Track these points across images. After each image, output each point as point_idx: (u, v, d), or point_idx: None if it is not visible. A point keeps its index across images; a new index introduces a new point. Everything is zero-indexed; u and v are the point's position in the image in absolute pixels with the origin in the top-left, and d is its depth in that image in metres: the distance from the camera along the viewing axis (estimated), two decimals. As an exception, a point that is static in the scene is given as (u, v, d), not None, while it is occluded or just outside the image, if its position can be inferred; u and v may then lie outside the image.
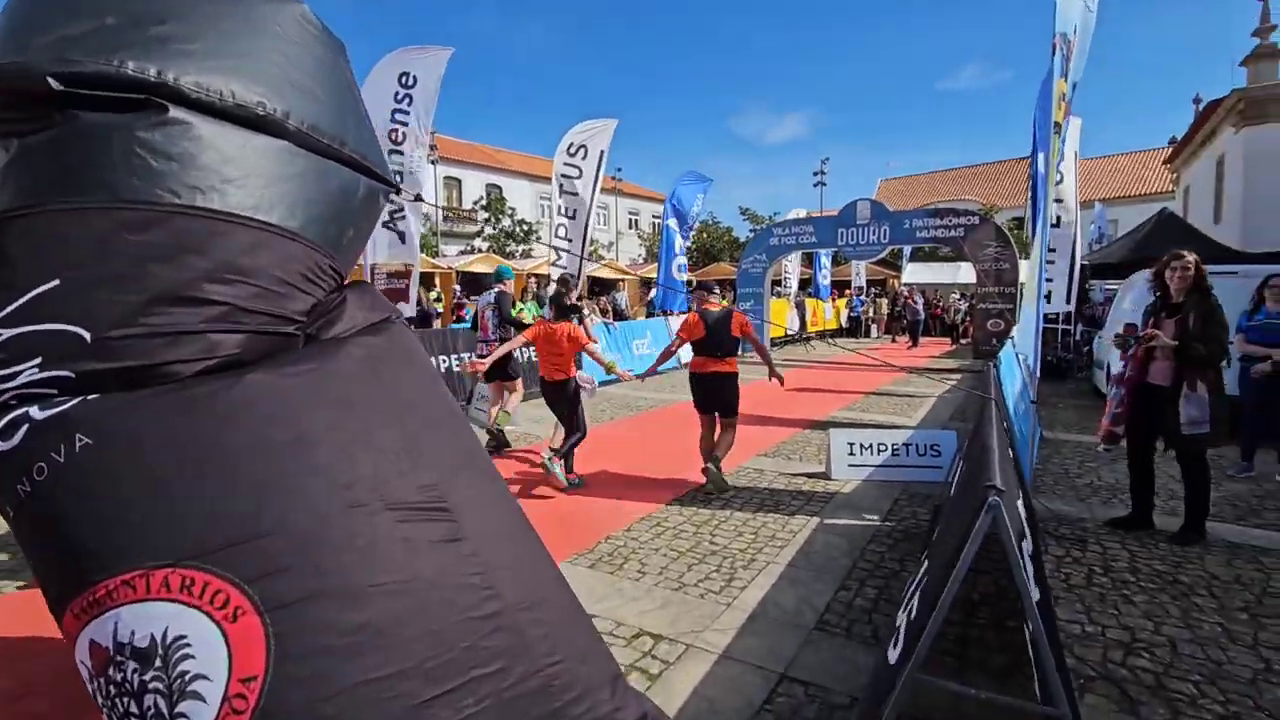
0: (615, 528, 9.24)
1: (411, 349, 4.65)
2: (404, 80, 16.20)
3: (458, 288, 32.84)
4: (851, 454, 11.36)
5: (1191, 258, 8.58)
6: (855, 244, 27.39)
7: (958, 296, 42.95)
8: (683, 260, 26.27)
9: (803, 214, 34.59)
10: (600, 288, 40.35)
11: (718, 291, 11.81)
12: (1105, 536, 8.83)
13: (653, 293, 30.40)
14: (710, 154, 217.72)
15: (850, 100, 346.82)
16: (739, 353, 11.71)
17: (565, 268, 19.78)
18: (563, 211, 19.44)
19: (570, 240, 19.43)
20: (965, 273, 43.16)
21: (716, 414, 11.53)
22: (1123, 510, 9.52)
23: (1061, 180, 18.79)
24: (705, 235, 54.16)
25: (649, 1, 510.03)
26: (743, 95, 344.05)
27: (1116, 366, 9.11)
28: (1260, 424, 10.77)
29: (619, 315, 31.25)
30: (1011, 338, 12.53)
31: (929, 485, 10.68)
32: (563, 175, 19.30)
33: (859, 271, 43.23)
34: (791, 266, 37.60)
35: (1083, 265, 21.31)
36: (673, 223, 25.59)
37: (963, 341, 36.46)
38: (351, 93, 4.77)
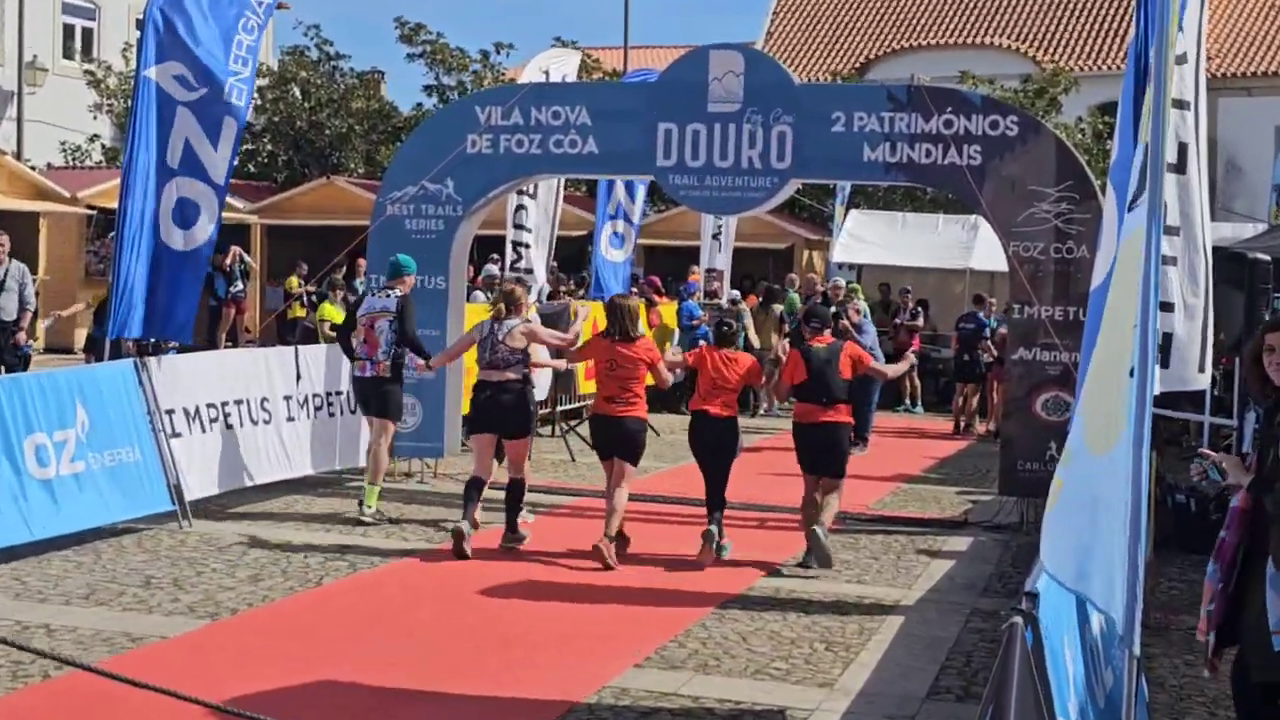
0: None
1: None
2: None
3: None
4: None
5: None
6: (703, 168, 14.59)
7: (978, 310, 24.29)
8: (622, 226, 22.79)
9: (559, 63, 19.96)
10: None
11: (827, 322, 12.10)
12: None
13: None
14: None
15: None
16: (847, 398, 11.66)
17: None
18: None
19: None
20: (985, 247, 26.29)
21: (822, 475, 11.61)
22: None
23: (1185, 61, 8.73)
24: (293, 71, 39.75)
25: None
26: None
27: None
28: None
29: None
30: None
31: None
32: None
33: (719, 234, 27.47)
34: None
35: (1241, 255, 13.93)
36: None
37: (982, 429, 23.22)
38: None
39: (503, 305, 12.51)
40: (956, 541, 13.38)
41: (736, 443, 12.07)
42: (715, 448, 12.01)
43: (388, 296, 13.35)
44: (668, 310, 23.99)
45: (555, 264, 23.12)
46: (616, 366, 11.86)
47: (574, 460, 17.22)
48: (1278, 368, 5.74)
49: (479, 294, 20.86)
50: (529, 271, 19.79)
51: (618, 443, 11.91)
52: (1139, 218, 4.71)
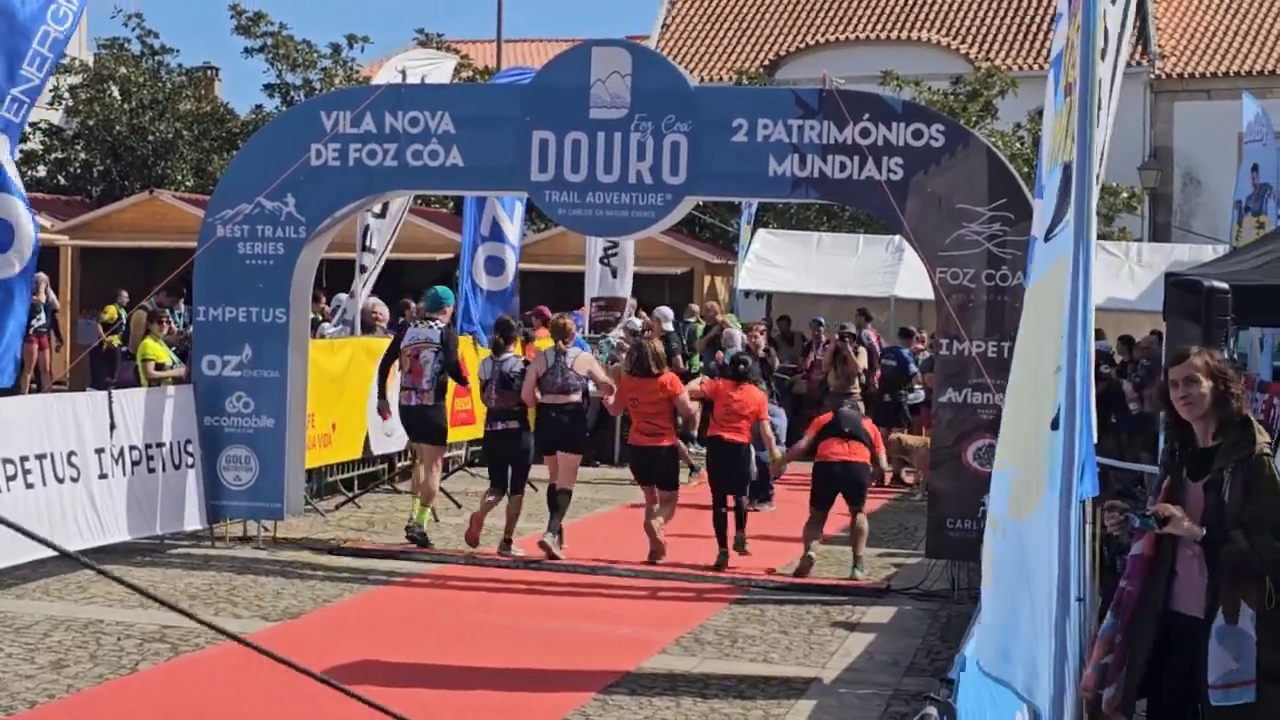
0: None
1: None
2: None
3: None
4: None
5: (1200, 360, 6.23)
6: (585, 184, 14.61)
7: (902, 345, 25.19)
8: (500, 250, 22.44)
9: (428, 66, 20.30)
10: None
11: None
12: None
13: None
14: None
15: None
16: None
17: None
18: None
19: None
20: (910, 273, 26.90)
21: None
22: None
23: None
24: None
25: None
26: None
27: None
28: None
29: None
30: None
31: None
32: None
33: (609, 258, 27.32)
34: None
35: (1196, 283, 12.11)
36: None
37: (908, 482, 22.79)
38: None
39: (560, 339, 15.40)
40: (878, 612, 13.47)
41: (748, 465, 15.92)
42: (728, 470, 15.34)
43: (430, 327, 15.60)
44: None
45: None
46: (641, 403, 15.28)
47: (438, 521, 17.10)
48: (1183, 402, 6.20)
49: (328, 328, 20.73)
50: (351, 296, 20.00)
51: (651, 469, 15.35)
52: (1061, 246, 4.76)
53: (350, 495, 18.89)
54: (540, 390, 15.19)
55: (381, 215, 20.09)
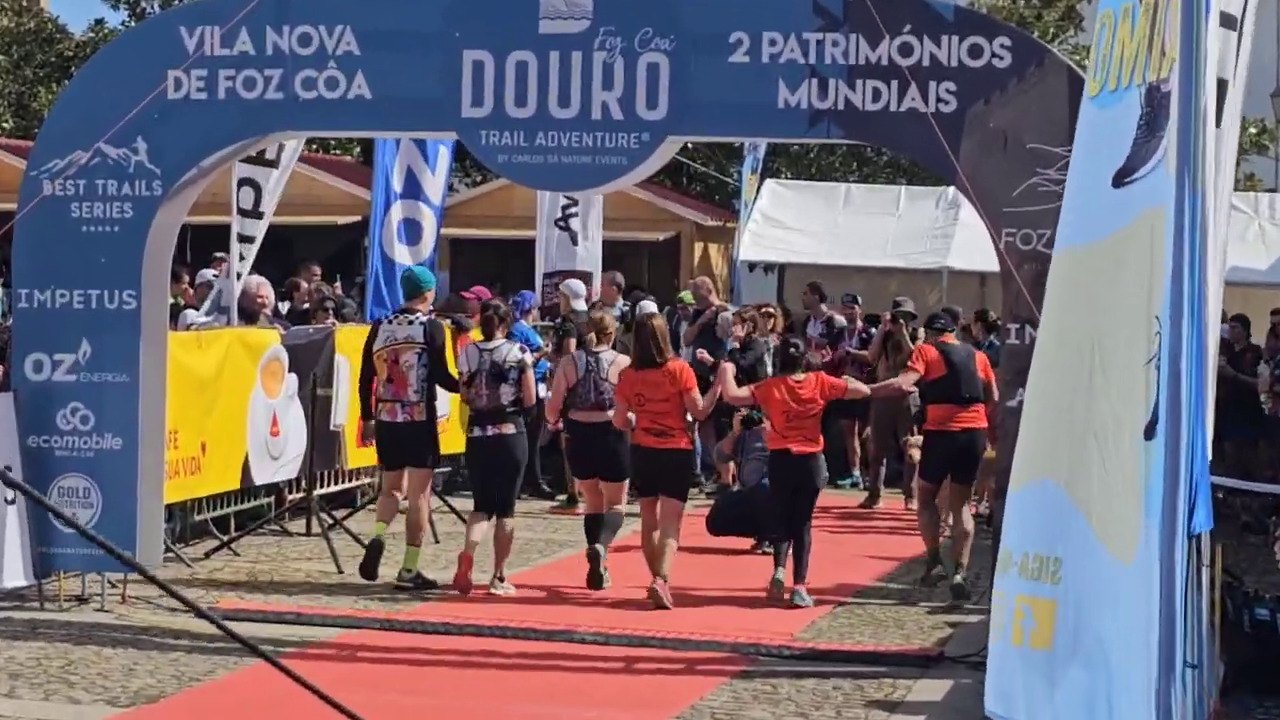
0: None
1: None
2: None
3: None
4: None
5: None
6: (534, 121, 14.61)
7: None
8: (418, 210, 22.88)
9: None
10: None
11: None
12: None
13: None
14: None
15: None
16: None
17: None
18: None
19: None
20: (970, 235, 27.00)
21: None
22: None
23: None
24: None
25: None
26: None
27: None
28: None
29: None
30: None
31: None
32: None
33: (567, 219, 27.64)
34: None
35: None
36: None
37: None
38: None
39: (594, 335, 16.39)
40: (927, 687, 13.49)
41: (821, 481, 16.55)
42: (798, 488, 16.10)
43: (409, 323, 15.95)
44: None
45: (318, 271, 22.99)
46: (646, 400, 15.74)
47: (341, 570, 17.08)
48: None
49: (195, 316, 20.66)
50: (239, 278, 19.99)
51: (659, 476, 15.90)
52: (1147, 195, 4.71)
53: (225, 539, 18.82)
54: (574, 404, 16.60)
55: (266, 164, 20.01)
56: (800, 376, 16.13)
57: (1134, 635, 4.64)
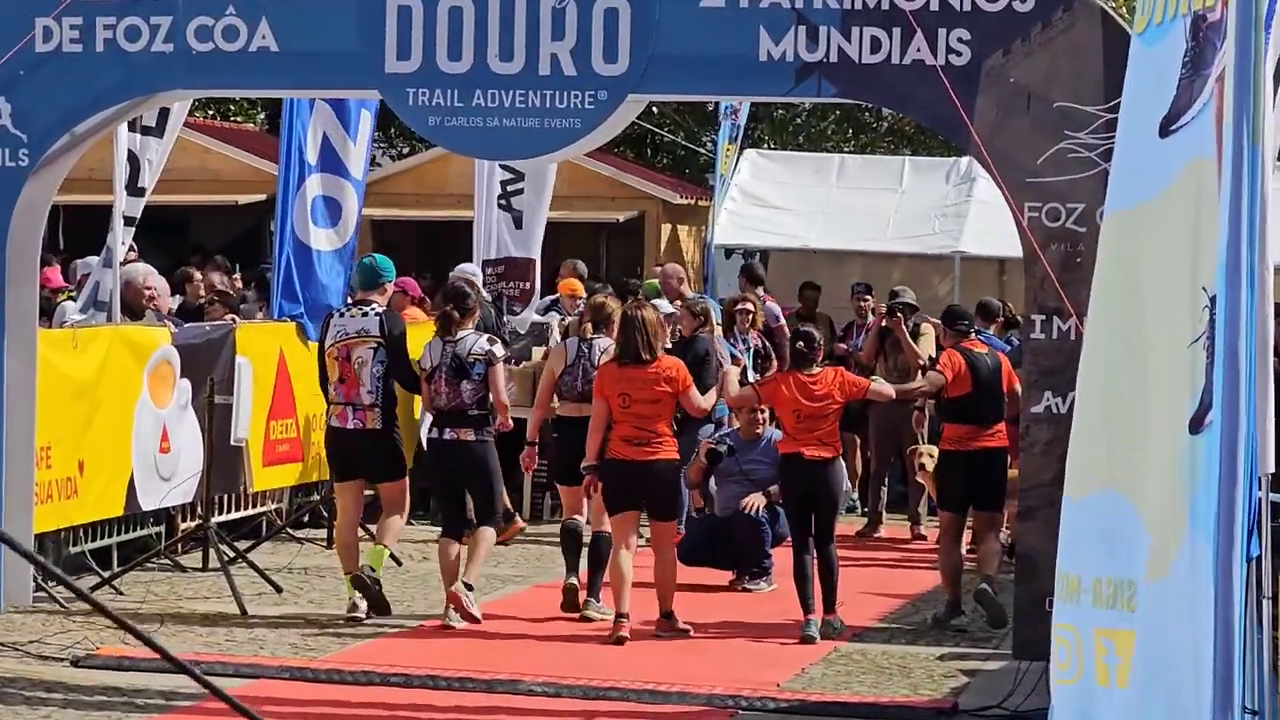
0: None
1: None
2: None
3: None
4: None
5: None
6: (470, 77, 14.87)
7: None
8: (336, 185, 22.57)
9: None
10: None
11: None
12: None
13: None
14: None
15: None
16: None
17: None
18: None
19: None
20: (986, 214, 27.54)
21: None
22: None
23: None
24: None
25: None
26: None
27: None
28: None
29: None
30: None
31: None
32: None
33: (510, 195, 27.34)
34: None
35: None
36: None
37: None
38: None
39: (590, 323, 16.77)
40: (939, 744, 13.49)
41: (839, 490, 16.67)
42: (812, 497, 16.26)
43: (364, 315, 15.98)
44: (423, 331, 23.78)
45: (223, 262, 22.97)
46: (631, 401, 15.62)
47: (245, 614, 17.05)
48: None
49: (70, 310, 20.61)
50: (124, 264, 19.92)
51: (643, 493, 15.88)
52: (1193, 145, 4.65)
53: (106, 575, 18.76)
54: (557, 396, 16.90)
55: (156, 132, 19.94)
56: (814, 371, 16.22)
57: (1177, 673, 4.61)
